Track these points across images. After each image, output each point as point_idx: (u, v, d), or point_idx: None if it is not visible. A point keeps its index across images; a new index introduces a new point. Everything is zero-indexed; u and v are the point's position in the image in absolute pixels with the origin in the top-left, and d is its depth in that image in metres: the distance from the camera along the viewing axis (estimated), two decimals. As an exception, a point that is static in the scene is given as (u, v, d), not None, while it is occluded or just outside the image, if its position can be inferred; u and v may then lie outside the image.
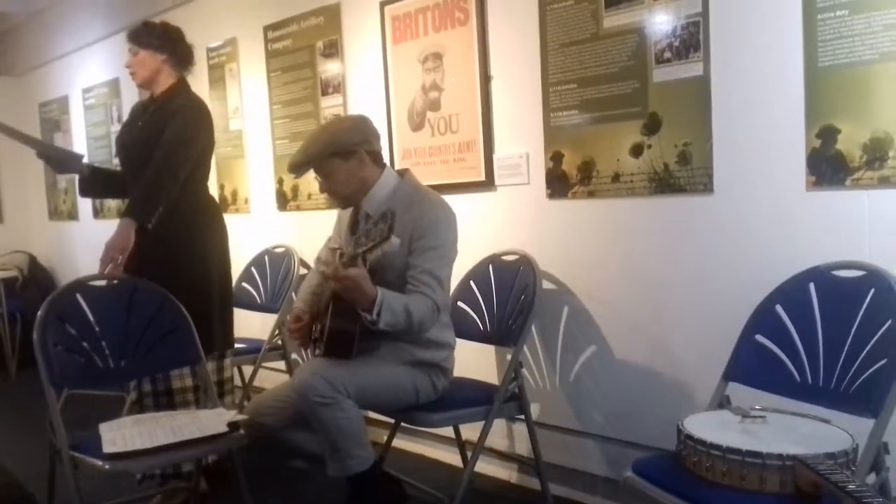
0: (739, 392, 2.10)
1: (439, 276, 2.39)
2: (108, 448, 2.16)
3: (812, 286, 2.05)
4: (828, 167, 2.14)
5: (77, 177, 3.07)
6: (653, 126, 2.53)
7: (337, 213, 2.74)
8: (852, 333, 1.93)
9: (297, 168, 2.50)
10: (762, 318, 2.11)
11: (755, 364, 2.08)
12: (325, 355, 2.40)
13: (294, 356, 3.86)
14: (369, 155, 2.47)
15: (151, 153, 2.74)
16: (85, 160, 3.05)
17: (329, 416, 2.25)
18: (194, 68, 3.03)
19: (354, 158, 2.44)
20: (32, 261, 6.55)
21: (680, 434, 1.84)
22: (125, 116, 3.27)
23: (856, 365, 1.90)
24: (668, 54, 2.47)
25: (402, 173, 2.58)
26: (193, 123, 2.82)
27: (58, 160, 3.03)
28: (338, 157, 2.43)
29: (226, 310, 2.99)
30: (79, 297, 2.54)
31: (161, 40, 2.89)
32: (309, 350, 2.63)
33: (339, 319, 2.37)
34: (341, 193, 2.50)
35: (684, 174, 2.46)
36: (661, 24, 2.48)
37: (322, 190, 2.57)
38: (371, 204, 2.49)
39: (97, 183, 3.09)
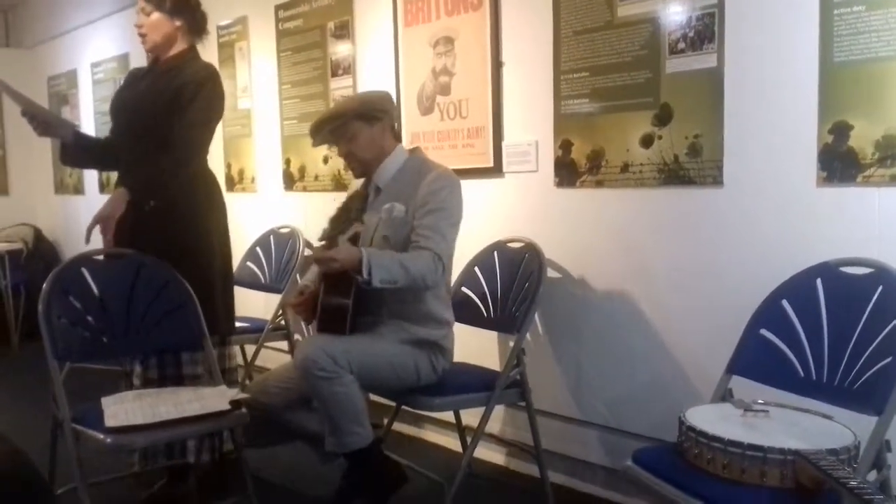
0: (742, 385, 2.10)
1: (442, 232, 2.40)
2: (109, 422, 2.16)
3: (819, 282, 2.04)
4: (839, 163, 2.13)
5: (60, 142, 2.87)
6: (664, 117, 2.51)
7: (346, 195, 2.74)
8: (858, 330, 1.92)
9: (321, 126, 2.50)
10: (768, 313, 2.10)
11: (759, 358, 2.08)
12: (320, 331, 2.41)
13: (297, 336, 3.87)
14: (390, 128, 2.53)
15: (156, 119, 2.61)
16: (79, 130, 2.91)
17: (329, 390, 2.25)
18: (205, 45, 2.96)
19: (378, 125, 2.49)
20: (37, 234, 6.56)
21: (681, 426, 1.84)
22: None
23: (860, 362, 1.89)
24: (681, 45, 2.45)
25: (413, 150, 2.62)
26: (213, 100, 2.71)
27: (43, 121, 2.79)
28: (363, 121, 2.47)
29: (227, 289, 2.88)
30: (84, 271, 2.54)
31: (177, 4, 2.76)
32: (311, 326, 2.63)
33: (330, 295, 2.39)
34: (360, 157, 2.51)
35: (694, 166, 2.45)
36: (675, 14, 2.46)
37: (340, 154, 2.57)
38: (381, 176, 2.53)
39: (79, 151, 2.89)
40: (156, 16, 2.74)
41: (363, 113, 2.47)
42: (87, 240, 2.52)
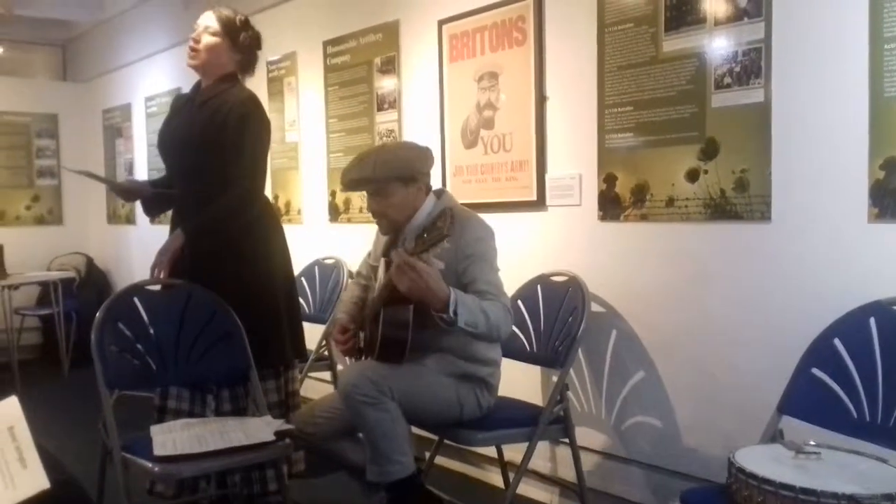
0: (793, 426, 2.05)
1: (498, 285, 2.38)
2: (158, 451, 2.20)
3: (872, 321, 2.00)
4: (891, 200, 2.09)
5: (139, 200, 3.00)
6: (710, 151, 2.50)
7: (376, 230, 2.74)
8: (913, 371, 1.88)
9: (357, 185, 2.49)
10: (819, 352, 2.06)
11: (811, 398, 2.04)
12: (378, 360, 2.39)
13: (339, 367, 3.89)
14: (425, 186, 2.48)
15: (203, 156, 2.62)
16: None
17: (373, 416, 2.24)
18: (255, 79, 2.97)
19: (414, 186, 2.43)
20: (90, 262, 6.74)
21: (731, 467, 1.80)
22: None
23: (916, 404, 1.84)
24: (728, 80, 2.45)
25: (439, 194, 2.54)
26: (262, 134, 2.69)
27: (125, 191, 3.08)
28: (400, 182, 2.41)
29: (293, 315, 2.81)
30: (136, 300, 2.59)
31: (249, 43, 2.76)
32: (353, 360, 2.64)
33: (390, 327, 2.36)
34: (392, 217, 2.47)
35: (741, 201, 2.43)
36: (721, 49, 2.46)
37: (371, 209, 2.50)
38: (412, 228, 2.46)
39: (160, 201, 2.94)
40: (222, 43, 2.69)
41: (402, 175, 2.40)
42: (156, 276, 2.60)
